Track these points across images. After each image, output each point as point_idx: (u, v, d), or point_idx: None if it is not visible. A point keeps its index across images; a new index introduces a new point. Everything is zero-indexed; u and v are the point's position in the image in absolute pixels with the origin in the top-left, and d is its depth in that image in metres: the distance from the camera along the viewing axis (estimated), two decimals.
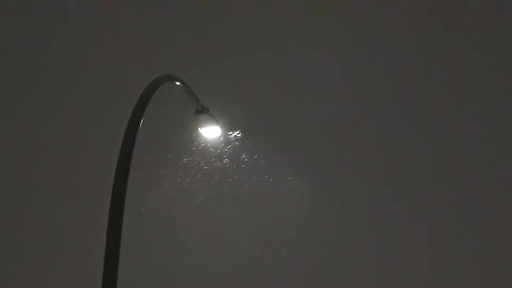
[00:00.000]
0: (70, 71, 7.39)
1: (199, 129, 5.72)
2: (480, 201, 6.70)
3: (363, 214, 6.81)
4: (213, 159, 7.03)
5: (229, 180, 7.02)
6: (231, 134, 7.01)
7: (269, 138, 7.07)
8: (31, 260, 6.83)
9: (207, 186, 7.02)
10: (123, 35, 7.40)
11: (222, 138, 6.88)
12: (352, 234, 6.76)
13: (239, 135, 7.03)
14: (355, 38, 7.29)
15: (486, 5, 7.15)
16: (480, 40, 7.16)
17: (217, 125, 5.81)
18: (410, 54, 7.24)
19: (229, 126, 6.89)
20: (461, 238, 6.59)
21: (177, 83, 4.86)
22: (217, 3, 7.47)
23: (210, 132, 5.83)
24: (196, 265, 6.75)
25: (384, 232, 6.72)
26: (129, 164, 3.63)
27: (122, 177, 3.57)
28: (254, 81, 7.17)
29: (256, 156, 7.03)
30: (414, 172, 6.95)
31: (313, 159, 7.03)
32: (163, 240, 6.76)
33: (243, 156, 7.03)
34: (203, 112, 5.56)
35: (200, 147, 6.99)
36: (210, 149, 7.01)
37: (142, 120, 3.89)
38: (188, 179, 7.02)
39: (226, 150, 7.03)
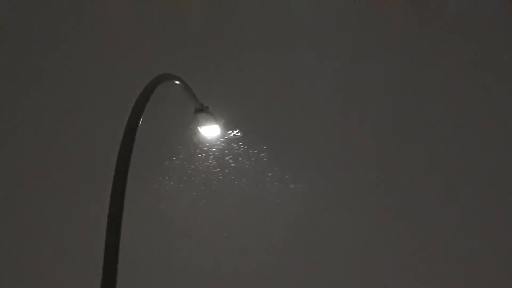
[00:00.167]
0: (70, 71, 7.40)
1: (198, 128, 5.73)
2: (480, 201, 6.70)
3: (363, 214, 6.81)
4: (212, 158, 7.04)
5: (229, 180, 7.02)
6: (231, 133, 7.02)
7: (268, 137, 7.07)
8: (31, 260, 6.82)
9: (207, 186, 7.02)
10: (123, 35, 7.42)
11: (221, 137, 6.89)
12: (352, 234, 6.75)
13: (239, 134, 7.04)
14: (355, 37, 7.30)
15: (486, 5, 7.15)
16: (480, 40, 7.17)
17: (217, 124, 5.81)
18: (410, 54, 7.25)
19: (228, 125, 6.90)
20: (461, 238, 6.59)
21: (177, 82, 4.86)
22: (217, 3, 7.48)
23: (210, 131, 5.83)
24: (196, 265, 6.74)
25: (384, 232, 6.71)
26: (128, 163, 3.62)
27: (122, 176, 3.57)
28: (253, 80, 7.18)
29: (255, 156, 7.03)
30: (414, 172, 6.95)
31: (313, 159, 7.04)
32: (163, 240, 6.76)
33: (243, 155, 7.04)
34: (203, 111, 5.56)
35: (199, 146, 7.00)
36: (210, 148, 7.01)
37: (141, 119, 3.89)
38: (188, 179, 7.02)
39: (226, 149, 7.03)
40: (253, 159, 7.04)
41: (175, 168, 7.01)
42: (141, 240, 6.42)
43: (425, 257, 6.60)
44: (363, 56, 7.28)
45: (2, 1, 7.66)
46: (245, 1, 7.48)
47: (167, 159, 7.00)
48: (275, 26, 7.41)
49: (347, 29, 7.29)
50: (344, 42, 7.32)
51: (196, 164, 7.05)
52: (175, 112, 6.44)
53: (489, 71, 7.06)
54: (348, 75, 7.25)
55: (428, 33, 7.26)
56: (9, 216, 6.92)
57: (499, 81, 7.03)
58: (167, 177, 7.00)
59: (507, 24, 7.11)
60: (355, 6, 7.37)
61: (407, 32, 7.24)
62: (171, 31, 7.41)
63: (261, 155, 7.04)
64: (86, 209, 6.60)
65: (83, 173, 6.95)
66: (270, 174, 7.01)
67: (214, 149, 7.03)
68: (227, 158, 7.05)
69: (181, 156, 7.02)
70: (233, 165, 7.04)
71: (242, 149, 7.05)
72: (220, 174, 7.05)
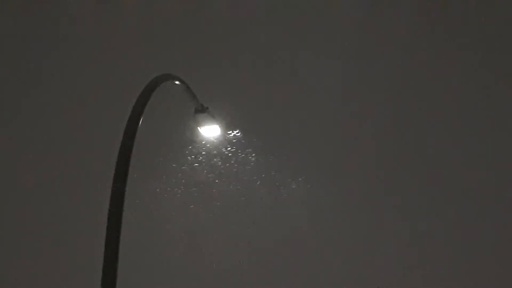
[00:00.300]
0: (70, 71, 7.40)
1: (198, 128, 5.73)
2: (480, 201, 6.69)
3: (363, 214, 6.81)
4: (212, 158, 7.04)
5: (229, 179, 7.02)
6: (231, 133, 7.01)
7: (268, 137, 7.07)
8: (31, 260, 6.83)
9: (206, 185, 7.02)
10: (123, 35, 7.41)
11: (221, 137, 6.89)
12: (352, 234, 6.75)
13: (238, 134, 7.04)
14: (354, 37, 7.29)
15: (486, 5, 7.15)
16: (480, 40, 7.16)
17: (217, 124, 5.81)
18: (410, 54, 7.24)
19: (228, 125, 6.90)
20: (461, 238, 6.58)
21: (177, 82, 4.87)
22: (217, 3, 7.48)
23: (210, 131, 5.84)
24: (196, 265, 6.74)
25: (384, 232, 6.71)
26: (128, 163, 3.63)
27: (122, 176, 3.58)
28: (253, 80, 7.18)
29: (255, 156, 7.03)
30: (414, 172, 6.95)
31: (313, 159, 7.04)
32: (162, 240, 6.76)
33: (243, 155, 7.03)
34: (203, 111, 5.57)
35: (199, 146, 7.00)
36: (210, 148, 7.01)
37: (141, 119, 3.89)
38: (188, 178, 7.02)
39: (226, 149, 7.03)
40: (253, 159, 7.04)
41: (175, 168, 7.01)
42: (140, 239, 6.42)
43: (425, 257, 6.60)
44: (363, 56, 7.27)
45: (2, 1, 7.66)
46: (245, 1, 7.48)
47: (167, 159, 7.00)
48: (275, 26, 7.41)
49: (348, 29, 7.29)
50: (344, 42, 7.31)
51: (196, 164, 7.05)
52: (175, 112, 6.44)
53: (489, 71, 7.05)
54: (348, 75, 7.24)
55: (428, 33, 7.25)
56: (9, 216, 6.92)
57: (499, 81, 7.03)
58: (167, 177, 7.00)
59: (507, 24, 7.10)
60: (355, 6, 7.36)
61: (408, 32, 7.23)
62: (171, 31, 7.41)
63: (261, 155, 7.04)
64: (86, 209, 6.60)
65: (83, 173, 6.95)
66: (270, 173, 7.02)
67: (214, 149, 7.02)
68: (227, 158, 7.05)
69: (181, 156, 7.03)
70: (232, 165, 7.04)
71: (241, 148, 7.05)
72: (220, 173, 7.05)
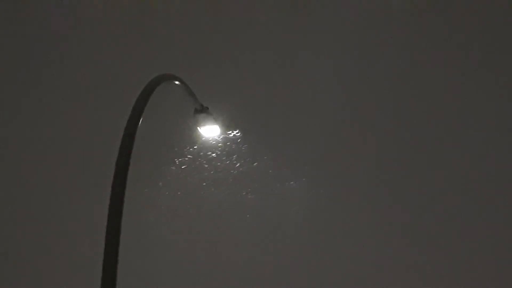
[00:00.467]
0: (70, 71, 7.40)
1: (198, 128, 5.73)
2: (481, 201, 6.69)
3: (363, 214, 6.81)
4: (212, 158, 7.04)
5: (229, 179, 7.02)
6: (230, 133, 7.02)
7: (268, 137, 7.07)
8: (31, 260, 6.83)
9: (206, 185, 7.02)
10: (123, 35, 7.41)
11: (221, 137, 6.89)
12: (352, 234, 6.75)
13: (238, 134, 7.04)
14: (354, 37, 7.29)
15: (486, 5, 7.15)
16: (480, 40, 7.16)
17: (216, 124, 5.81)
18: (410, 54, 7.24)
19: (228, 125, 6.90)
20: (461, 238, 6.58)
21: (176, 82, 4.87)
22: (217, 3, 7.48)
23: (209, 131, 5.83)
24: (196, 265, 6.75)
25: (384, 232, 6.71)
26: (128, 163, 3.63)
27: (121, 176, 3.57)
28: (253, 80, 7.18)
29: (255, 155, 7.03)
30: (414, 172, 6.95)
31: (313, 159, 7.04)
32: (163, 240, 6.76)
33: (242, 155, 7.04)
34: (202, 111, 5.56)
35: (199, 146, 7.00)
36: (209, 148, 7.01)
37: (141, 119, 3.89)
38: (187, 178, 7.02)
39: (226, 149, 7.03)
40: (253, 158, 7.04)
41: (175, 168, 7.02)
42: (141, 240, 6.42)
43: (425, 257, 6.60)
44: (363, 56, 7.27)
45: (2, 1, 7.66)
46: (245, 1, 7.48)
47: (167, 159, 7.00)
48: (275, 26, 7.41)
49: (348, 29, 7.28)
50: (345, 42, 7.31)
51: (196, 163, 7.05)
52: (175, 112, 6.44)
53: (489, 71, 7.05)
54: (348, 75, 7.24)
55: (428, 33, 7.25)
56: (9, 216, 6.92)
57: (499, 81, 7.03)
58: (167, 177, 7.00)
59: (507, 24, 7.10)
60: (356, 6, 7.36)
61: (408, 32, 7.23)
62: (171, 31, 7.40)
63: (261, 154, 7.04)
64: (86, 209, 6.60)
65: (83, 173, 6.95)
66: (270, 173, 7.02)
67: (214, 149, 7.03)
68: (227, 157, 7.05)
69: (180, 156, 7.03)
70: (232, 164, 7.04)
71: (242, 149, 7.05)
72: (220, 173, 7.05)
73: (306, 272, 6.67)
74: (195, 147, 7.00)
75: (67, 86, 7.35)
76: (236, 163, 7.04)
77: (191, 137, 6.86)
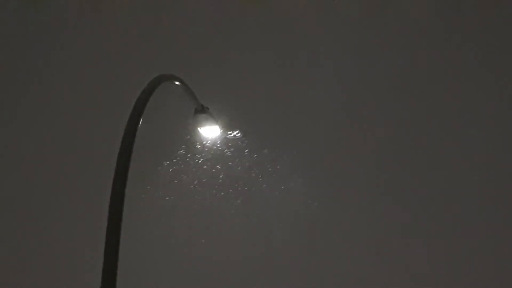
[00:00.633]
0: (70, 71, 7.40)
1: (198, 128, 5.73)
2: (481, 201, 6.69)
3: (362, 214, 6.81)
4: (212, 158, 7.04)
5: (229, 179, 7.02)
6: (231, 134, 7.02)
7: (268, 137, 7.07)
8: (31, 260, 6.83)
9: (206, 185, 7.02)
10: (123, 35, 7.41)
11: (221, 138, 6.89)
12: (352, 234, 6.75)
13: (239, 134, 7.04)
14: (355, 38, 7.29)
15: (486, 5, 7.15)
16: (480, 40, 7.16)
17: (217, 124, 5.81)
18: (410, 54, 7.24)
19: (228, 125, 6.90)
20: (461, 238, 6.58)
21: (177, 82, 4.87)
22: (217, 3, 7.48)
23: (210, 132, 5.83)
24: (196, 265, 6.74)
25: (384, 232, 6.71)
26: (128, 163, 3.63)
27: (122, 176, 3.57)
28: (253, 80, 7.18)
29: (255, 156, 7.03)
30: (414, 172, 6.95)
31: (313, 159, 7.04)
32: (163, 240, 6.76)
33: (243, 155, 7.04)
34: (203, 111, 5.56)
35: (199, 147, 7.00)
36: (209, 148, 7.01)
37: (141, 120, 3.89)
38: (187, 178, 7.02)
39: (225, 149, 7.03)
40: (253, 159, 7.04)
41: (175, 169, 7.01)
42: (141, 240, 6.42)
43: (425, 257, 6.60)
44: (363, 56, 7.27)
45: (3, 1, 7.67)
46: (245, 1, 7.47)
47: (167, 159, 7.00)
48: (275, 26, 7.41)
49: (348, 29, 7.29)
50: (344, 42, 7.31)
51: (196, 164, 7.05)
52: (175, 113, 6.44)
53: (489, 71, 7.05)
54: (348, 75, 7.24)
55: (428, 33, 7.25)
56: (9, 216, 6.92)
57: (499, 81, 7.03)
58: (167, 177, 7.00)
59: (507, 24, 7.10)
60: (356, 6, 7.36)
61: (408, 32, 7.23)
62: (171, 31, 7.41)
63: (261, 155, 7.04)
64: (86, 209, 6.60)
65: (83, 173, 6.95)
66: (270, 173, 7.02)
67: (214, 149, 7.03)
68: (227, 158, 7.05)
69: (180, 156, 7.02)
70: (233, 165, 7.04)
71: (242, 149, 7.05)
72: (220, 173, 7.05)
73: (305, 272, 6.66)
74: (195, 147, 7.00)
75: (67, 86, 7.35)
76: (236, 163, 7.04)
77: (191, 137, 6.87)
